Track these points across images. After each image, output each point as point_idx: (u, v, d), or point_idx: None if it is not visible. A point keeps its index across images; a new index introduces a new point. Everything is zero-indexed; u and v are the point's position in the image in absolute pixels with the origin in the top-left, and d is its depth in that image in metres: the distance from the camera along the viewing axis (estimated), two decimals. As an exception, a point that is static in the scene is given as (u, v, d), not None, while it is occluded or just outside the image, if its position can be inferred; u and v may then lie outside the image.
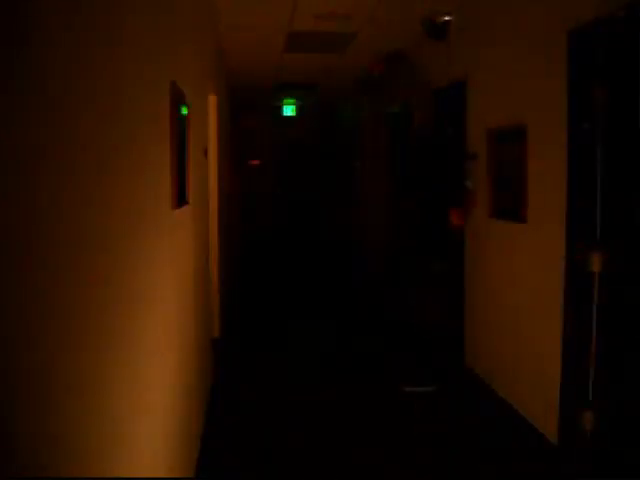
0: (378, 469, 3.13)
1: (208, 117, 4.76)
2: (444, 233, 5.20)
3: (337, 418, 3.76)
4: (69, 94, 1.08)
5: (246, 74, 7.95)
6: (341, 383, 4.39)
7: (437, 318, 5.40)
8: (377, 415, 3.82)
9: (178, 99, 2.43)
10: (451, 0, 4.47)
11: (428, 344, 5.35)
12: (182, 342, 2.64)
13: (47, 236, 0.98)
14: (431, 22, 4.57)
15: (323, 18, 5.02)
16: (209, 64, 4.41)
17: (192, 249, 3.15)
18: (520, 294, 3.76)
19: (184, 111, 2.66)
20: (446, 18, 4.53)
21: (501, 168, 4.01)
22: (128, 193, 1.52)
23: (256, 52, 6.51)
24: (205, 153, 4.25)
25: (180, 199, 2.53)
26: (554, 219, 3.28)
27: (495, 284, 4.18)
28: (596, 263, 2.95)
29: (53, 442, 0.98)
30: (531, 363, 3.62)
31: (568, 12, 3.12)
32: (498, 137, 4.03)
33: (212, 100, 5.15)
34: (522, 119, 3.65)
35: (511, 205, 3.83)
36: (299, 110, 11.48)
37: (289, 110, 11.26)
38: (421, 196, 6.01)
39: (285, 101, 10.92)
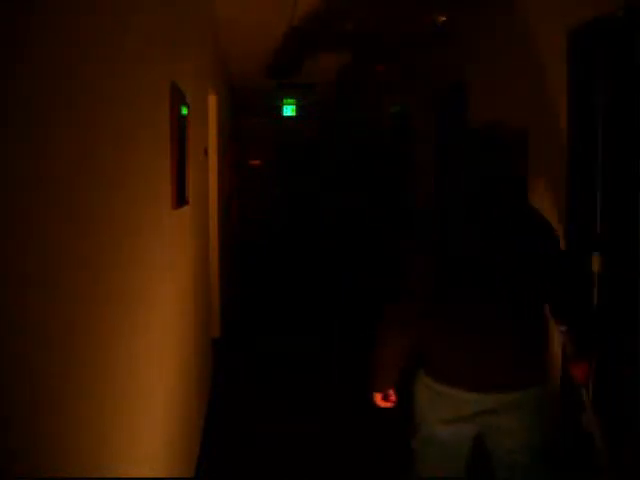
0: (374, 469, 3.13)
1: (208, 117, 4.76)
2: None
3: (336, 418, 3.76)
4: (69, 95, 1.08)
5: (246, 74, 7.94)
6: (341, 383, 4.39)
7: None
8: (374, 415, 3.81)
9: (178, 99, 2.43)
10: (451, 0, 4.47)
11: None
12: (182, 342, 2.64)
13: (47, 236, 0.98)
14: (431, 22, 4.58)
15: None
16: (209, 64, 4.41)
17: (192, 249, 3.15)
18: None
19: (184, 111, 2.65)
20: (446, 18, 4.53)
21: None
22: (128, 193, 1.52)
23: (256, 52, 6.50)
24: (205, 153, 4.25)
25: (180, 199, 2.53)
26: (554, 219, 3.27)
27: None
28: (595, 263, 2.95)
29: (53, 442, 0.99)
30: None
31: (568, 12, 3.12)
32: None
33: (212, 100, 5.15)
34: (522, 119, 3.65)
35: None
36: (299, 110, 11.46)
37: (289, 110, 11.24)
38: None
39: (285, 101, 10.90)
